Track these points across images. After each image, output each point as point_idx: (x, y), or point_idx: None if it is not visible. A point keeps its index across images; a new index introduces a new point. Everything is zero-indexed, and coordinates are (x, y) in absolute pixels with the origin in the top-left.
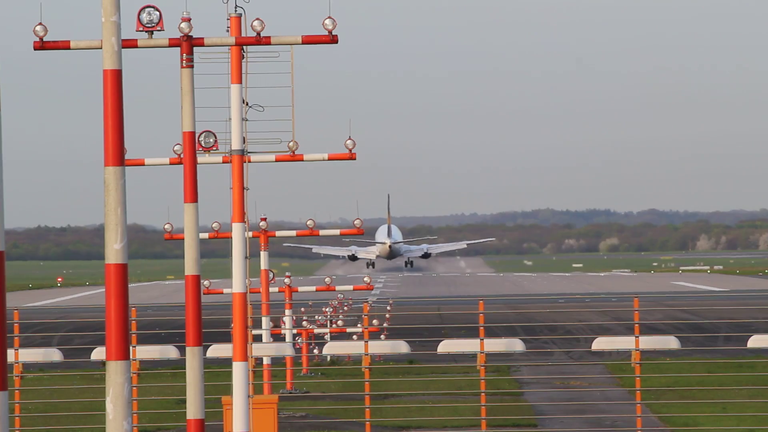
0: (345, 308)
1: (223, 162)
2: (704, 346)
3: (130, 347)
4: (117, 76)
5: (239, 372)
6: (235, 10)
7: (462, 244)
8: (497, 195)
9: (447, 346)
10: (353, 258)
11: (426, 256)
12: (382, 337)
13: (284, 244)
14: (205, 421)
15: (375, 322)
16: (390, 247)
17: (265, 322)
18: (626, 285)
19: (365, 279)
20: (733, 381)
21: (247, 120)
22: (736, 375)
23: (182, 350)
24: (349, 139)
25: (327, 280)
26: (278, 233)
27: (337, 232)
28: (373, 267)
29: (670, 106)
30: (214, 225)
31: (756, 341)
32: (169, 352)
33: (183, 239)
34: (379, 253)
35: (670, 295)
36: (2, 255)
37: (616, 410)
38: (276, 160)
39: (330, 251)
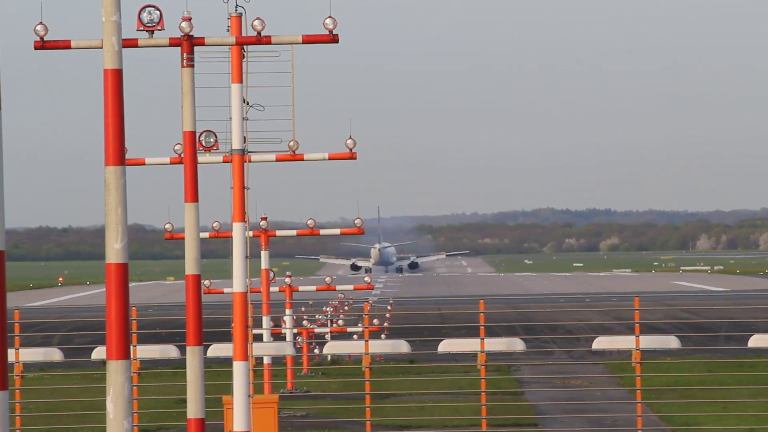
0: (345, 308)
1: (224, 161)
2: (705, 346)
3: (131, 347)
4: (117, 75)
5: (240, 371)
6: (236, 10)
7: (441, 255)
8: (498, 194)
9: (447, 345)
10: (354, 267)
11: (413, 265)
12: (383, 336)
13: (295, 256)
14: (206, 421)
15: (375, 321)
16: (380, 251)
17: (266, 321)
18: (627, 284)
19: (366, 279)
20: (734, 380)
21: (247, 119)
22: (736, 374)
23: (182, 350)
24: (350, 138)
25: (327, 279)
26: (279, 233)
27: (337, 231)
28: (370, 272)
29: (670, 105)
30: (214, 224)
31: (756, 341)
32: (170, 351)
33: (183, 239)
34: (373, 259)
35: (670, 295)
36: (3, 254)
37: (617, 410)
38: (276, 160)
39: (335, 261)
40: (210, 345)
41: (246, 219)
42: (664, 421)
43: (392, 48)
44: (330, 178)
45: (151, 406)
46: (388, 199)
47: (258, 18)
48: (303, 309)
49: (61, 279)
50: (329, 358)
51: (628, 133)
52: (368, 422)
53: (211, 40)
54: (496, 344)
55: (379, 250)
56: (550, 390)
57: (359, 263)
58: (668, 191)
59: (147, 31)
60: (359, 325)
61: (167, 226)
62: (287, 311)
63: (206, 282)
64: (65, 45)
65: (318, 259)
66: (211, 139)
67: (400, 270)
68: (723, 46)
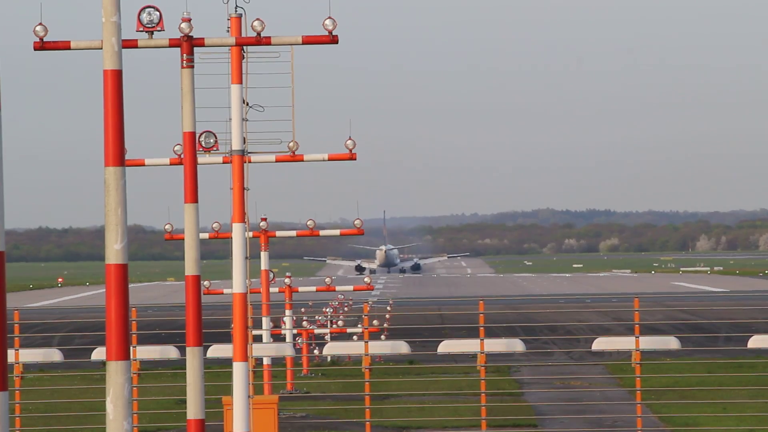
0: (345, 308)
1: (224, 162)
2: (704, 347)
3: (131, 347)
4: (117, 76)
5: (239, 372)
6: (236, 11)
7: (443, 256)
8: (497, 195)
9: (447, 346)
10: (359, 268)
11: (416, 267)
12: (383, 337)
13: (303, 258)
14: (206, 422)
15: (375, 322)
16: (385, 252)
17: (266, 322)
18: (626, 285)
19: (365, 279)
20: (734, 381)
21: (247, 120)
22: (736, 375)
23: (182, 350)
24: (350, 139)
25: (327, 280)
26: (278, 233)
27: (337, 232)
28: (374, 273)
29: (669, 105)
30: (214, 225)
31: (756, 341)
32: (170, 352)
33: (183, 240)
34: (378, 261)
35: (670, 296)
36: (3, 255)
37: (617, 410)
38: (276, 161)
39: (341, 263)
40: (210, 346)
41: (246, 220)
42: (664, 421)
43: (392, 48)
44: (330, 179)
45: (150, 407)
46: (387, 200)
47: (258, 19)
48: (303, 310)
49: (60, 280)
50: (329, 358)
51: (628, 133)
52: (368, 423)
53: (210, 40)
54: (496, 345)
55: (385, 252)
56: (549, 391)
57: (364, 264)
58: (668, 192)
59: (147, 31)
60: (359, 325)
61: (167, 226)
62: (287, 312)
63: (206, 283)
64: (65, 46)
65: (325, 260)
66: (211, 140)
67: (403, 271)
68: (723, 47)
